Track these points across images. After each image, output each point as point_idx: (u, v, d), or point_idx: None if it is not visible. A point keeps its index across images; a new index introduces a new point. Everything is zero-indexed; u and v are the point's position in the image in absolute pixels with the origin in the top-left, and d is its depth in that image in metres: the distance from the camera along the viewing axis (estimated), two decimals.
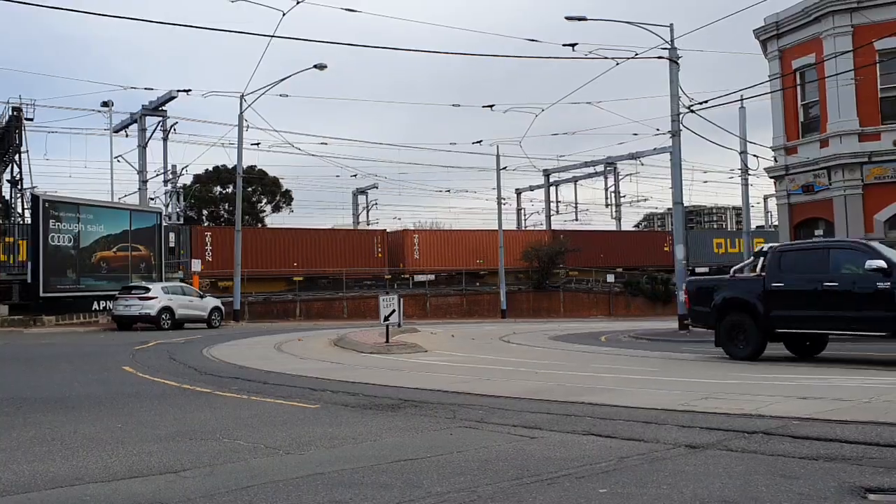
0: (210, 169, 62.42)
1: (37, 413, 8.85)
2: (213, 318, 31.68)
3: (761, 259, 15.42)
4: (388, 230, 56.59)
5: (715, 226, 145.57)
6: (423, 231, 59.39)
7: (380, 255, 53.03)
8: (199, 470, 5.86)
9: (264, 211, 67.65)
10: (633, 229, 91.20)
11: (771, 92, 27.55)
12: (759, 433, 6.86)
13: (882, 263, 12.96)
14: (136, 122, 45.65)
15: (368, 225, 68.64)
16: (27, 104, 42.18)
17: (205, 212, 64.91)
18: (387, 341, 19.38)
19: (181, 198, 53.09)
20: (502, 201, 52.39)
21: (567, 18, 25.27)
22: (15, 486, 5.39)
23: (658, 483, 5.21)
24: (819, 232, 26.91)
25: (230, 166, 52.48)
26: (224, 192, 63.60)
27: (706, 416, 7.86)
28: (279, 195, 67.08)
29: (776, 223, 39.16)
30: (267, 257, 48.15)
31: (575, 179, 70.08)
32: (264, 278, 47.64)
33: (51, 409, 9.23)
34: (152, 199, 47.19)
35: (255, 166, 61.58)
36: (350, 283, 49.55)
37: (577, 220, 69.97)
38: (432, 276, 53.81)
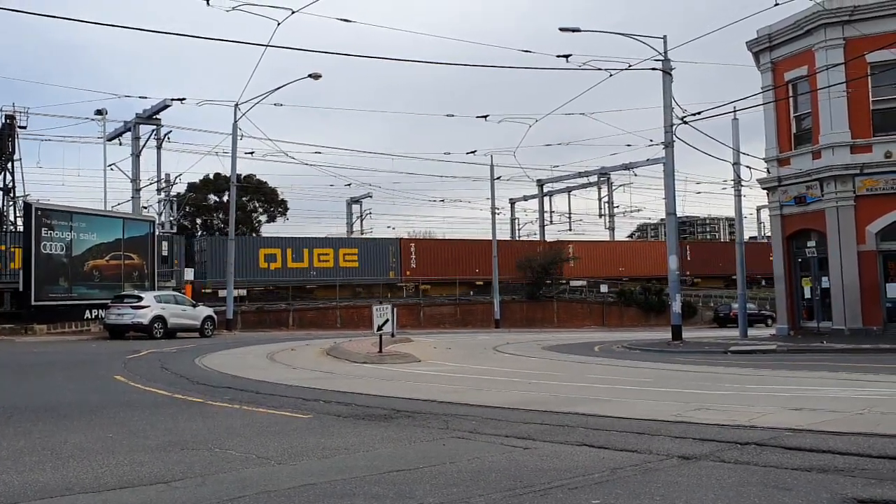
0: (204, 177, 62.37)
1: (27, 422, 8.80)
2: (205, 327, 31.56)
3: None
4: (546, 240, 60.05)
5: (708, 237, 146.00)
6: (580, 243, 62.85)
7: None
8: (190, 480, 5.84)
9: (259, 220, 67.60)
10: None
11: (764, 104, 27.69)
12: (752, 444, 6.86)
13: None
14: (129, 130, 45.56)
15: (362, 234, 68.59)
16: (20, 112, 42.14)
17: (199, 220, 64.80)
18: (380, 351, 19.33)
19: (175, 206, 53.00)
20: (496, 211, 52.46)
21: (561, 30, 25.36)
22: (4, 496, 5.35)
23: (651, 494, 5.21)
24: (811, 244, 27.03)
25: (224, 175, 52.45)
26: (218, 200, 63.53)
27: (699, 427, 7.87)
28: (274, 204, 67.05)
29: (769, 234, 39.27)
30: (451, 266, 54.71)
31: (569, 189, 70.22)
32: (448, 283, 54.19)
33: (42, 418, 9.17)
34: (146, 207, 47.11)
35: (251, 175, 61.57)
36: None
37: (570, 230, 70.11)
38: (584, 282, 59.49)
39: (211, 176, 61.79)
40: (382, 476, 5.88)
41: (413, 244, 55.57)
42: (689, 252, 63.02)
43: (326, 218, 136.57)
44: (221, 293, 41.16)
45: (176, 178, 51.81)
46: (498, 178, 51.55)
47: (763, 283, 58.28)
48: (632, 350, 24.42)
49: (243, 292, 45.47)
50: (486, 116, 36.32)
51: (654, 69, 26.47)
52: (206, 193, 63.60)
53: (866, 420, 8.17)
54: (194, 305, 32.23)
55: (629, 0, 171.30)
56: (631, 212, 72.40)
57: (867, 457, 6.26)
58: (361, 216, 71.22)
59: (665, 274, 59.38)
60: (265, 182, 64.08)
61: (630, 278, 60.20)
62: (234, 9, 19.52)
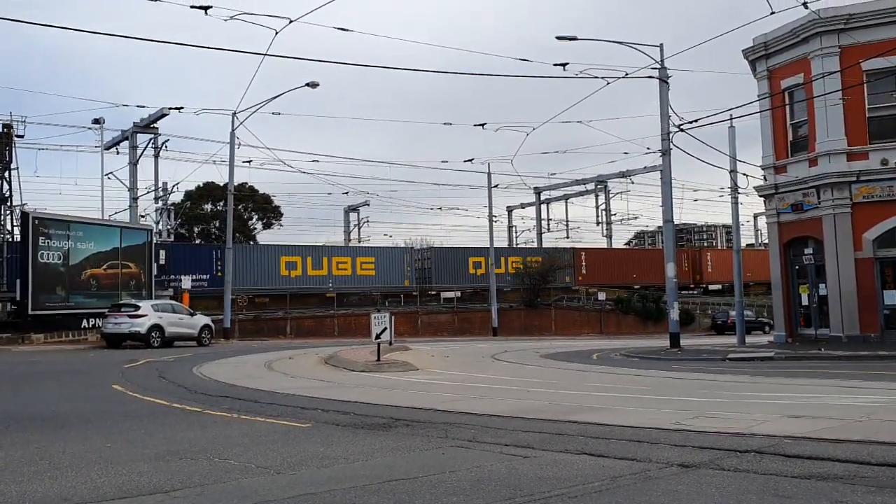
0: (200, 186, 62.35)
1: (25, 432, 8.77)
2: (203, 335, 31.50)
3: None
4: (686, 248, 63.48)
5: (705, 244, 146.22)
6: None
7: (686, 269, 62.98)
8: (189, 490, 5.82)
9: (255, 228, 67.61)
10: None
11: (760, 111, 27.79)
12: (751, 452, 6.86)
13: None
14: (127, 139, 45.53)
15: (360, 242, 68.61)
16: (17, 121, 42.03)
17: (195, 229, 64.77)
18: (378, 359, 19.30)
19: (172, 215, 52.95)
20: (494, 219, 52.51)
21: (558, 38, 25.46)
22: None
23: (651, 503, 5.21)
24: (809, 251, 27.07)
25: (221, 183, 52.46)
26: (215, 209, 63.50)
27: (698, 434, 7.86)
28: (270, 212, 67.05)
29: (766, 241, 39.34)
30: (612, 271, 60.14)
31: (566, 197, 70.29)
32: (614, 286, 59.33)
33: (39, 428, 9.14)
34: (143, 216, 47.03)
35: (247, 183, 61.58)
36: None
37: (568, 237, 70.17)
38: (720, 286, 64.04)
39: (206, 184, 61.82)
40: (381, 485, 5.87)
41: (430, 253, 56.24)
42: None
43: (324, 226, 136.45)
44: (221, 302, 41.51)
45: (173, 186, 51.82)
46: (495, 186, 51.65)
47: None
48: (630, 358, 24.41)
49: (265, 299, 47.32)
50: (483, 125, 36.39)
51: (650, 77, 26.57)
52: (202, 202, 63.60)
53: (865, 427, 8.17)
54: (192, 314, 32.18)
55: (626, 9, 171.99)
56: (628, 219, 72.54)
57: (867, 464, 6.26)
58: (359, 224, 71.22)
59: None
60: (258, 191, 64.15)
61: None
62: (232, 18, 19.56)
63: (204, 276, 44.95)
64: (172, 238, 52.62)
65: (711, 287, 65.63)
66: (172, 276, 42.76)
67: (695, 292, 65.03)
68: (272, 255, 49.47)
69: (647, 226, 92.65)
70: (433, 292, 54.43)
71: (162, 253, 41.71)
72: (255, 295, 47.76)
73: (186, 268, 43.46)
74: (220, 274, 44.95)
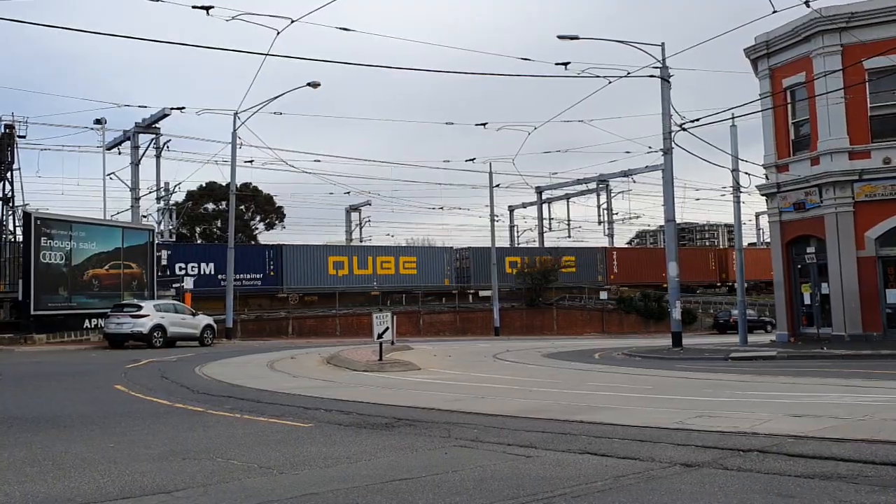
0: (202, 186, 62.40)
1: (28, 433, 8.77)
2: (205, 335, 31.53)
3: None
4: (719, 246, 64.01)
5: (707, 243, 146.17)
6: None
7: (713, 267, 65.42)
8: (192, 490, 5.82)
9: (257, 228, 67.63)
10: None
11: (762, 110, 27.76)
12: (754, 451, 6.85)
13: None
14: (128, 139, 45.59)
15: (361, 241, 68.64)
16: (19, 121, 42.07)
17: (197, 229, 64.80)
18: (380, 359, 19.30)
19: (174, 215, 52.99)
20: (495, 218, 52.52)
21: (559, 37, 25.44)
22: None
23: (654, 502, 5.21)
24: (811, 250, 27.05)
25: (223, 183, 52.59)
26: (217, 208, 63.54)
27: (701, 434, 7.85)
28: (272, 212, 67.09)
29: (768, 240, 39.30)
30: (642, 270, 61.15)
31: (567, 197, 70.23)
32: (640, 284, 60.22)
33: (42, 428, 9.15)
34: (145, 216, 47.11)
35: (249, 183, 61.64)
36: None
37: (569, 237, 70.14)
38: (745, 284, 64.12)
39: (208, 184, 61.87)
40: (384, 485, 5.86)
41: (469, 253, 57.20)
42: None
43: (326, 226, 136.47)
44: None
45: (175, 186, 51.86)
46: (497, 185, 51.69)
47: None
48: (632, 357, 24.40)
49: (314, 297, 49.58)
50: (485, 124, 36.43)
51: (652, 76, 26.54)
52: (204, 202, 63.64)
53: (868, 426, 8.16)
54: (194, 314, 32.20)
55: (628, 10, 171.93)
56: (630, 218, 72.48)
57: (870, 463, 6.25)
58: (360, 224, 71.23)
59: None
60: (261, 190, 64.18)
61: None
62: (233, 18, 19.57)
63: (257, 276, 47.69)
64: (174, 238, 52.67)
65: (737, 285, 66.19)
66: (223, 276, 44.49)
67: (721, 289, 65.86)
68: (321, 255, 51.19)
69: (648, 225, 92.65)
70: (472, 291, 55.44)
71: (164, 253, 41.81)
72: (305, 293, 49.37)
73: (240, 268, 45.14)
74: (272, 273, 47.72)
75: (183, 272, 43.94)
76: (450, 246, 57.85)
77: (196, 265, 45.29)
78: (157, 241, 40.01)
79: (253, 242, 61.71)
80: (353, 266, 51.41)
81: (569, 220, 70.84)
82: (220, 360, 22.06)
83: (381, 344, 19.76)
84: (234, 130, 38.37)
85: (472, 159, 48.16)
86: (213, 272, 45.64)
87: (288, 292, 48.25)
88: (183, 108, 40.67)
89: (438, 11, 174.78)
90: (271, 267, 48.06)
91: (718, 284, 66.29)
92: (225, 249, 45.39)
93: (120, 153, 46.76)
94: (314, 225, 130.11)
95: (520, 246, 63.25)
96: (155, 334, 28.98)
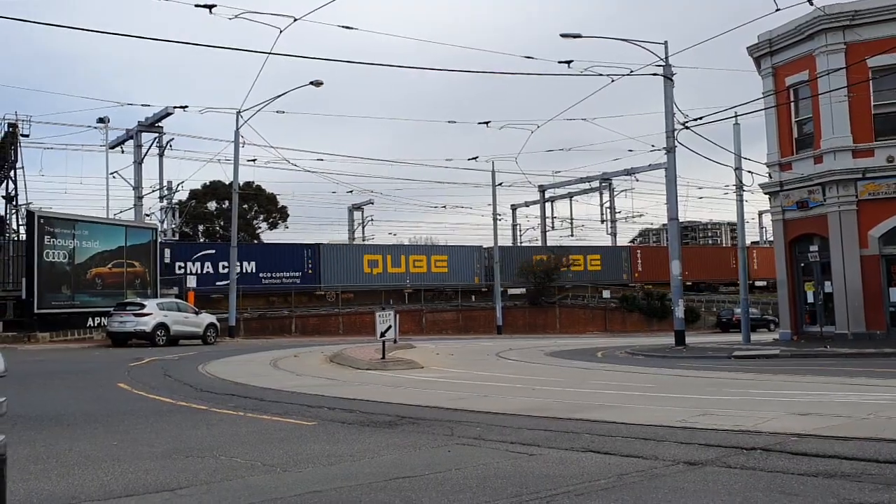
0: (206, 184, 62.40)
1: (31, 431, 8.79)
2: (208, 334, 31.57)
3: None
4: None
5: (710, 241, 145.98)
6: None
7: (734, 266, 60.99)
8: (196, 488, 5.83)
9: (260, 227, 67.64)
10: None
11: (765, 109, 27.71)
12: (757, 450, 6.85)
13: None
14: (131, 138, 45.59)
15: (364, 240, 68.67)
16: (23, 120, 42.14)
17: (200, 227, 64.84)
18: (383, 357, 19.32)
19: (176, 213, 53.05)
20: (498, 217, 52.53)
21: (562, 36, 25.40)
22: None
23: (657, 500, 5.20)
24: (814, 248, 27.01)
25: (226, 182, 52.66)
26: (220, 207, 63.56)
27: (704, 432, 7.85)
28: (275, 211, 67.10)
29: (771, 239, 39.26)
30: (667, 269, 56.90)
31: (570, 195, 70.17)
32: (664, 283, 58.22)
33: (46, 426, 9.17)
34: (148, 214, 47.11)
35: (252, 182, 61.61)
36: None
37: (572, 235, 70.04)
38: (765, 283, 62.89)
39: (212, 183, 61.90)
40: (388, 483, 5.87)
41: (498, 251, 56.71)
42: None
43: (328, 225, 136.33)
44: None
45: (178, 185, 51.92)
46: (500, 184, 51.67)
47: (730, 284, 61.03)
48: (635, 356, 24.39)
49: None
50: (487, 123, 36.48)
51: (655, 75, 26.51)
52: (207, 201, 63.67)
53: (872, 425, 8.15)
54: (197, 313, 32.24)
55: (630, 6, 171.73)
56: (633, 217, 72.36)
57: (874, 462, 6.25)
58: (363, 222, 71.24)
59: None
60: (264, 189, 64.17)
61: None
62: (236, 17, 19.59)
63: (297, 274, 49.17)
64: (177, 237, 52.71)
65: (758, 283, 65.41)
66: (263, 274, 47.41)
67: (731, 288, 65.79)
68: (357, 254, 53.33)
69: (651, 224, 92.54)
70: (502, 289, 55.53)
71: (167, 251, 41.91)
72: (343, 291, 50.85)
73: (280, 266, 47.99)
74: (310, 272, 49.35)
75: (226, 270, 45.11)
76: (479, 245, 58.38)
77: (239, 264, 46.53)
78: (160, 240, 40.03)
79: (255, 241, 61.74)
80: (388, 264, 52.87)
81: (571, 219, 70.84)
82: (222, 358, 22.09)
83: (384, 342, 19.78)
84: (237, 129, 38.43)
85: (475, 158, 48.31)
86: (254, 270, 47.53)
87: (326, 290, 49.85)
88: (186, 106, 40.55)
89: (439, 11, 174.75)
90: (310, 265, 49.67)
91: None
92: (264, 249, 48.77)
93: (123, 152, 46.82)
94: (318, 224, 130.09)
95: (549, 245, 63.73)
96: (158, 332, 29.03)
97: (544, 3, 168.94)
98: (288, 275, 48.60)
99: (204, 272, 45.48)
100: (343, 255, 51.98)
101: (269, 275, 47.82)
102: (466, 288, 55.22)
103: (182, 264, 45.14)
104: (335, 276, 50.48)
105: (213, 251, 46.89)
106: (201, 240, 61.65)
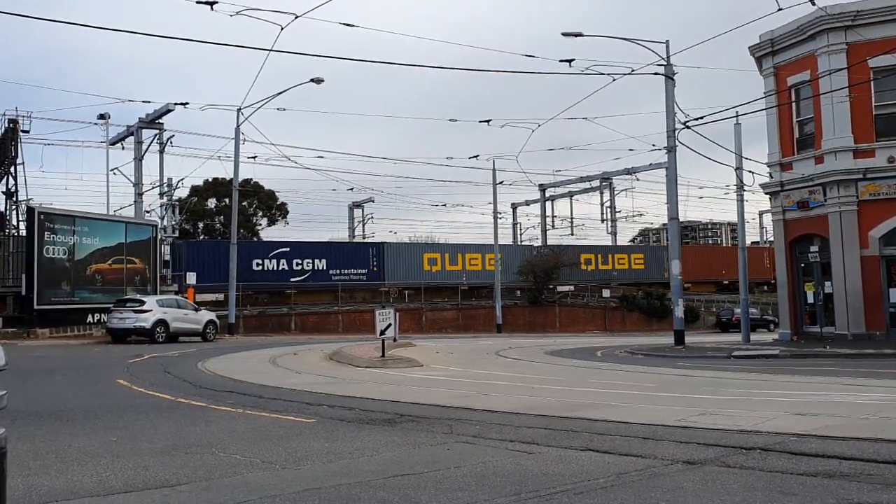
0: (206, 181, 62.36)
1: (31, 426, 8.79)
2: (207, 331, 31.59)
3: None
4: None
5: (710, 241, 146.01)
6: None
7: (768, 265, 62.78)
8: (195, 484, 5.83)
9: (260, 224, 67.62)
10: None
11: (766, 108, 27.70)
12: (756, 449, 6.85)
13: None
14: (132, 134, 45.58)
15: (364, 238, 68.65)
16: (23, 116, 42.12)
17: (200, 224, 64.81)
18: (383, 355, 19.32)
19: (176, 210, 53.04)
20: (498, 215, 52.52)
21: (564, 34, 25.38)
22: (9, 500, 5.33)
23: (656, 499, 5.20)
24: (814, 248, 27.01)
25: (226, 179, 52.71)
26: (220, 204, 63.53)
27: (704, 431, 7.85)
28: (275, 208, 67.08)
29: (771, 239, 39.24)
30: (700, 268, 61.33)
31: (571, 194, 70.18)
32: (703, 282, 62.76)
33: (45, 422, 9.17)
34: (148, 211, 47.09)
35: (252, 179, 61.57)
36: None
37: (572, 234, 70.05)
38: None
39: (212, 180, 61.86)
40: (387, 481, 5.87)
41: (548, 250, 58.69)
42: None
43: (328, 222, 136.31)
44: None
45: (178, 182, 51.87)
46: (500, 182, 51.60)
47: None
48: (635, 355, 24.39)
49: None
50: (488, 121, 36.51)
51: (656, 74, 26.49)
52: (207, 197, 63.65)
53: (871, 425, 8.15)
54: (196, 309, 32.26)
55: (632, 5, 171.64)
56: (633, 216, 72.37)
57: (873, 462, 6.25)
58: (363, 220, 71.22)
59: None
60: (263, 186, 64.14)
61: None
62: (237, 14, 19.57)
63: (362, 271, 51.83)
64: (177, 234, 52.70)
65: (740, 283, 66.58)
66: (333, 271, 49.95)
67: (761, 287, 65.55)
68: (417, 252, 55.59)
69: (651, 223, 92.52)
70: (551, 286, 57.05)
71: (167, 249, 41.92)
72: (404, 287, 53.08)
73: (347, 264, 50.83)
74: (375, 269, 51.66)
75: (300, 267, 48.69)
76: (529, 244, 58.89)
77: (311, 261, 49.51)
78: (160, 237, 40.04)
79: (255, 238, 61.72)
80: (445, 262, 55.26)
81: (572, 218, 70.85)
82: (222, 355, 22.10)
83: (383, 340, 19.78)
84: (238, 126, 38.42)
85: (476, 156, 48.49)
86: (325, 267, 50.12)
87: (389, 286, 51.99)
88: (186, 103, 40.47)
89: (439, 11, 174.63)
90: (374, 263, 52.23)
91: (773, 280, 66.63)
92: (333, 247, 51.27)
93: (123, 149, 46.84)
94: (318, 221, 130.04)
95: (587, 244, 64.63)
96: (158, 329, 29.05)
97: (545, 2, 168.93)
98: (356, 272, 51.30)
99: (280, 269, 48.40)
100: (405, 254, 54.29)
101: (337, 272, 50.42)
102: (518, 285, 56.70)
103: (259, 261, 47.73)
104: (398, 273, 52.82)
105: (288, 249, 49.29)
106: (202, 237, 61.69)
